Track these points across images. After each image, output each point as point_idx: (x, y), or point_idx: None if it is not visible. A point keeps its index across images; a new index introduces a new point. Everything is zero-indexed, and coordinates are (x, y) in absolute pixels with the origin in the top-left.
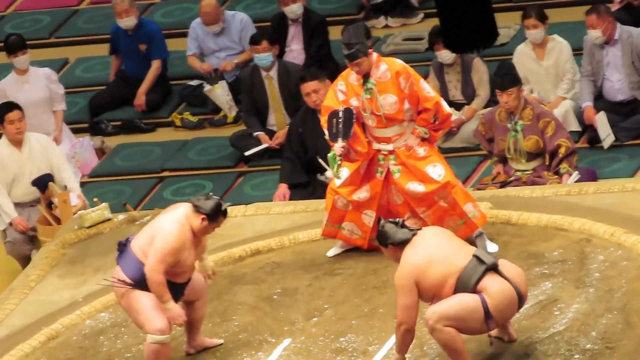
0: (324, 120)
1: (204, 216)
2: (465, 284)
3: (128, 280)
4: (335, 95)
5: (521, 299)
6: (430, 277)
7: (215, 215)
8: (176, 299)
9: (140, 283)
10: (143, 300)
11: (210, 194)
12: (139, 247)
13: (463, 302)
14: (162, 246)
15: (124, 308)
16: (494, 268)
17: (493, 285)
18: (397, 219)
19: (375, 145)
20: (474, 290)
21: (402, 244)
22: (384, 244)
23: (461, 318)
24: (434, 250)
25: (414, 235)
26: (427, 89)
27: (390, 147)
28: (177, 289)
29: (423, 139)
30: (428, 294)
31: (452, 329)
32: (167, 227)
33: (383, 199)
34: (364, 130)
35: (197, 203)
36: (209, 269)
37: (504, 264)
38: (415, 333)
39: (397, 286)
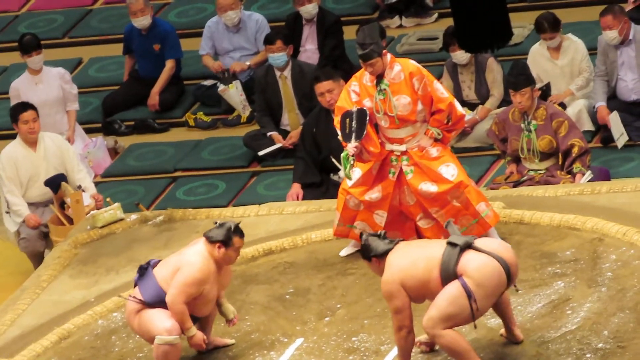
0: (337, 120)
1: (218, 244)
2: (447, 272)
3: (144, 300)
4: (348, 95)
5: (508, 269)
6: (414, 276)
7: (229, 239)
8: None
9: (155, 304)
10: (152, 311)
11: (217, 222)
12: (162, 277)
13: (449, 297)
14: (185, 277)
15: (135, 327)
16: (468, 246)
17: (470, 264)
18: (379, 232)
19: (388, 146)
20: (455, 274)
21: (385, 254)
22: (368, 257)
23: (454, 313)
24: (413, 251)
25: (395, 245)
26: (441, 89)
27: (403, 147)
28: (194, 320)
29: (436, 140)
30: (418, 293)
31: (451, 330)
32: (192, 259)
33: (395, 199)
34: (377, 131)
35: (208, 234)
36: (230, 313)
37: (481, 240)
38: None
39: (384, 293)
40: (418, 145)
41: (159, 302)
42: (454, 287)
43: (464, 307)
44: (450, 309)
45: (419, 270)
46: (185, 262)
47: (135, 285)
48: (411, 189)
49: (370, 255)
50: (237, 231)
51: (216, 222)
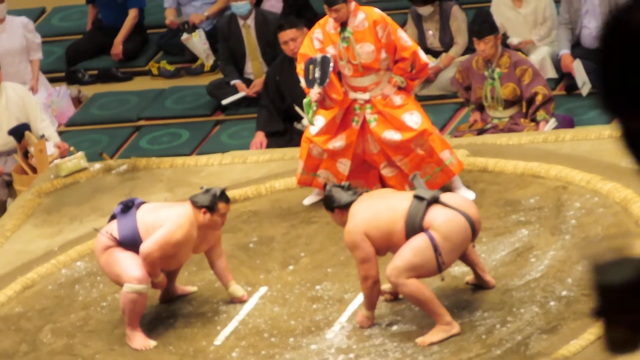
0: (300, 67)
1: (204, 209)
2: (413, 225)
3: (117, 237)
4: (311, 42)
5: (473, 224)
6: (378, 227)
7: (214, 205)
8: None
9: (127, 245)
10: (123, 254)
11: (203, 187)
12: (143, 223)
13: (414, 248)
14: (167, 235)
15: (102, 263)
16: (435, 201)
17: (438, 218)
18: (343, 183)
19: (352, 95)
20: (421, 227)
21: (348, 205)
22: (331, 208)
23: (418, 264)
24: (376, 202)
25: (359, 196)
26: (405, 38)
27: (366, 96)
28: None
29: (400, 88)
30: (381, 244)
31: (414, 279)
32: (178, 220)
33: (359, 147)
34: (340, 79)
35: (194, 199)
36: (239, 293)
37: (447, 195)
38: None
39: (348, 243)
40: (381, 93)
41: (131, 245)
42: (420, 239)
43: (428, 259)
44: (415, 260)
45: (383, 221)
46: (172, 220)
47: (112, 218)
48: (375, 137)
49: (334, 206)
50: (223, 197)
51: (202, 187)
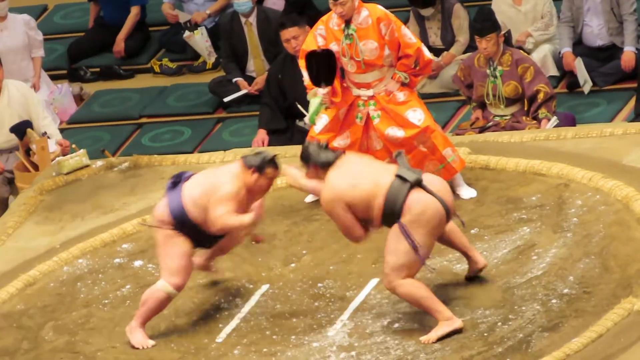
0: (302, 62)
1: (253, 169)
2: (392, 208)
3: (169, 217)
4: (314, 39)
5: (447, 210)
6: (356, 198)
7: (263, 166)
8: (206, 246)
9: (180, 224)
10: (179, 250)
11: (257, 152)
12: (190, 195)
13: (392, 251)
14: (221, 195)
15: (159, 241)
16: (418, 184)
17: (415, 205)
18: (322, 142)
19: (355, 91)
20: (400, 211)
21: (325, 166)
22: (307, 162)
23: (402, 263)
24: (358, 171)
25: (337, 158)
26: (409, 35)
27: (370, 92)
28: (212, 239)
29: (403, 84)
30: (360, 214)
31: (408, 279)
32: (227, 187)
33: (363, 144)
34: (343, 76)
35: (245, 159)
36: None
37: (428, 178)
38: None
39: (327, 211)
40: (385, 89)
41: (179, 218)
42: (393, 238)
43: (410, 255)
44: (398, 261)
45: (362, 193)
46: (220, 188)
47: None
48: (378, 134)
49: (310, 161)
50: (272, 162)
51: (256, 152)
